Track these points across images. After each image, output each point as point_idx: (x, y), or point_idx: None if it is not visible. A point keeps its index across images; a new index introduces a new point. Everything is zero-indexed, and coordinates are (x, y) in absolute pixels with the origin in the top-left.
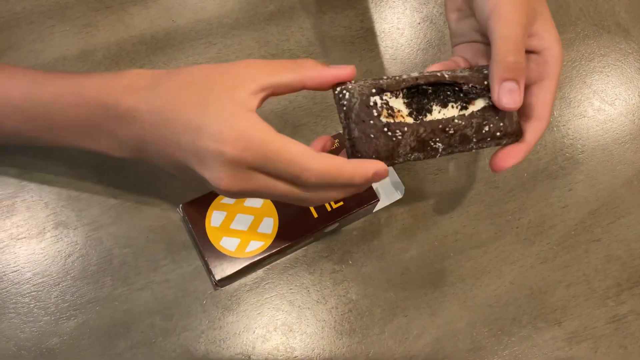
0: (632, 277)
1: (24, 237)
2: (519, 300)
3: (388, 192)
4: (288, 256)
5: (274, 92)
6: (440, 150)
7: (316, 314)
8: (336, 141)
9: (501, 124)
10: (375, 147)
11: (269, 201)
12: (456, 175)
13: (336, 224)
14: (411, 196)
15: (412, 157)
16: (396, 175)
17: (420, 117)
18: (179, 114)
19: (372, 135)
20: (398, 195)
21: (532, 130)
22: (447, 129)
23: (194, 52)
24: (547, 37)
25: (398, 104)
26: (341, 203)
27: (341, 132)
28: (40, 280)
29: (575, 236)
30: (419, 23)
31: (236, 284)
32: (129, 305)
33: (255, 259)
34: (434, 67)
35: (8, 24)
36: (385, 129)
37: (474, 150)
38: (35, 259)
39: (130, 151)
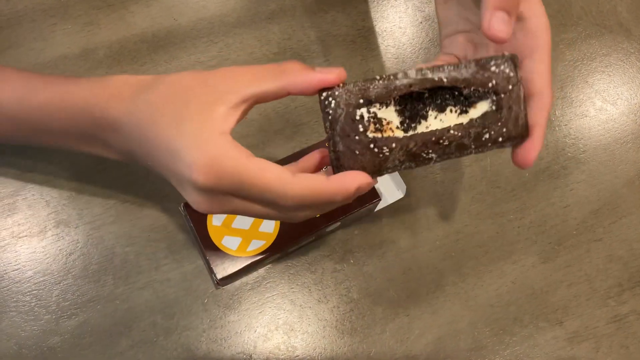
0: (633, 277)
1: (25, 236)
2: (521, 300)
3: (390, 191)
4: (289, 255)
5: (257, 101)
6: (434, 159)
7: (317, 313)
8: None
9: (504, 130)
10: (360, 164)
11: None
12: (458, 174)
13: (338, 223)
14: (413, 195)
15: (403, 167)
16: (398, 174)
17: (412, 126)
18: (157, 132)
19: (357, 152)
20: (400, 195)
21: (538, 110)
22: (442, 141)
23: (196, 51)
24: (534, 3)
25: (388, 113)
26: None
27: None
28: (41, 279)
29: (576, 236)
30: (421, 22)
31: (237, 283)
32: (130, 304)
33: (257, 258)
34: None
35: (9, 22)
36: (372, 146)
37: (473, 154)
38: (36, 258)
39: (125, 157)
